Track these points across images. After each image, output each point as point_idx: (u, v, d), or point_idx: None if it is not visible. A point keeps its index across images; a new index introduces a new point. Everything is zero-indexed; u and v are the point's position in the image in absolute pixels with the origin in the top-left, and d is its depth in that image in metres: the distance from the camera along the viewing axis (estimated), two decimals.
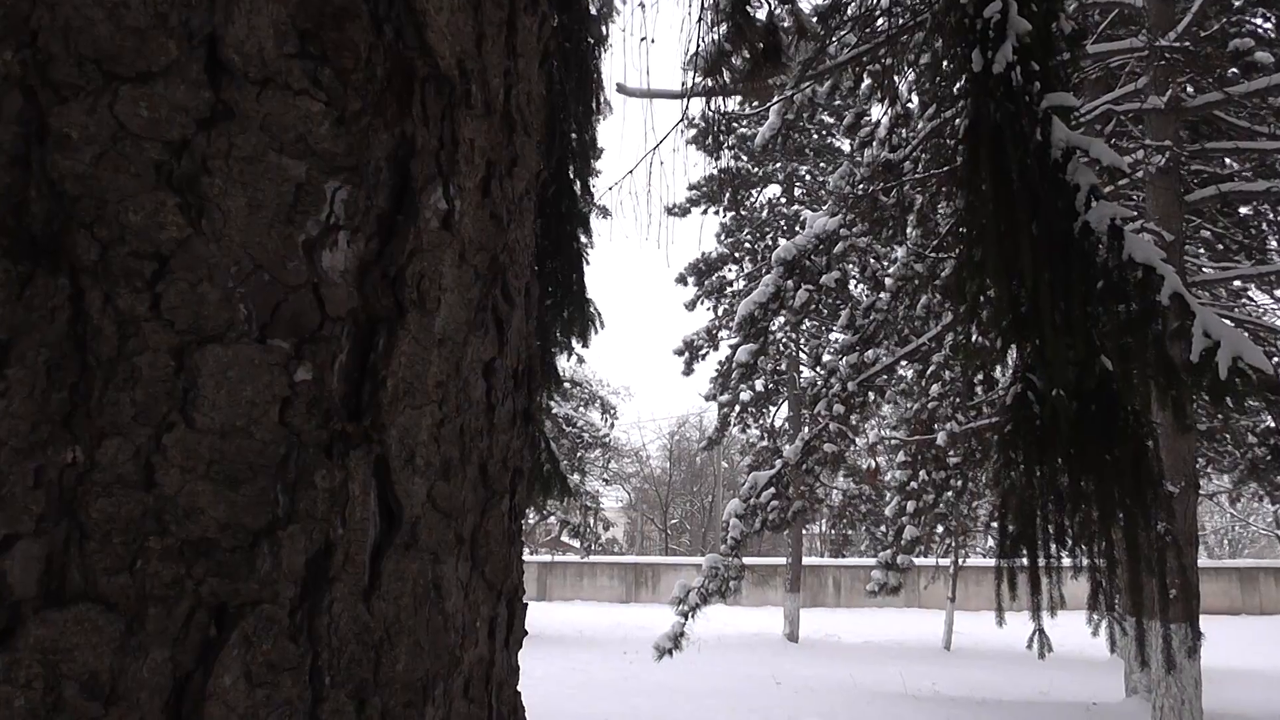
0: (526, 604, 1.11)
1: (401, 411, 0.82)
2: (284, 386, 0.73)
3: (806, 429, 10.94)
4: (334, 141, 0.79)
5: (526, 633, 1.11)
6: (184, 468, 0.67)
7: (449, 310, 0.89)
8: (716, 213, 20.11)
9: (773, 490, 10.55)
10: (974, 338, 8.85)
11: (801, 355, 18.95)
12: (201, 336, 0.69)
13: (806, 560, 23.85)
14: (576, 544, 24.84)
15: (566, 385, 20.94)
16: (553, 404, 18.68)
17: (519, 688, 1.08)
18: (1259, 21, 9.54)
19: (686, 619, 10.06)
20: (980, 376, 10.00)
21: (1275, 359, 9.40)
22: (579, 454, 19.90)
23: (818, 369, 16.90)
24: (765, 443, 19.20)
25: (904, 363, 11.17)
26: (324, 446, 0.75)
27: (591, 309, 6.47)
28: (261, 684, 0.68)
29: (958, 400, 11.27)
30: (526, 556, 28.63)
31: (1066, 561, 3.28)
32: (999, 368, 8.98)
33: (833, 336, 17.43)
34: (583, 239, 5.80)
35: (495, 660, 0.97)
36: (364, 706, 0.76)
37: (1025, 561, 3.07)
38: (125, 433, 0.65)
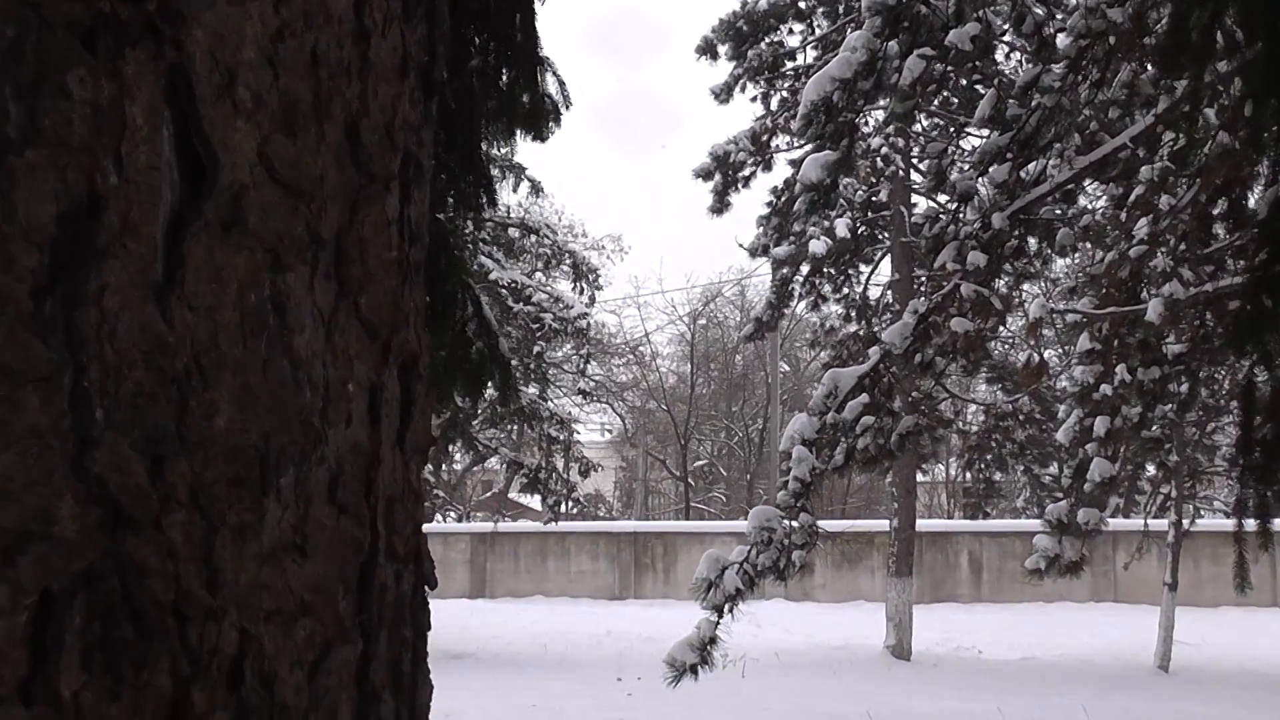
0: (432, 393, 1.14)
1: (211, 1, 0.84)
2: None
3: (922, 298, 10.97)
4: None
5: (434, 441, 1.15)
6: None
7: None
8: None
9: (865, 400, 10.61)
10: (1212, 134, 8.80)
11: (914, 174, 18.85)
12: None
13: (923, 524, 23.88)
14: (536, 503, 25.06)
15: (513, 233, 20.89)
16: (487, 260, 18.65)
17: (423, 526, 1.12)
18: None
19: (721, 616, 10.15)
20: (1223, 204, 9.97)
21: None
22: (535, 350, 19.93)
23: (940, 195, 16.84)
24: (852, 325, 19.24)
25: (1089, 181, 11.12)
26: (82, 34, 0.77)
27: (548, 79, 6.43)
28: None
29: (1182, 246, 11.27)
30: (453, 524, 28.96)
31: None
32: (1257, 186, 8.94)
33: (966, 143, 17.33)
34: None
35: (381, 459, 1.01)
36: (161, 470, 0.80)
37: None
38: None
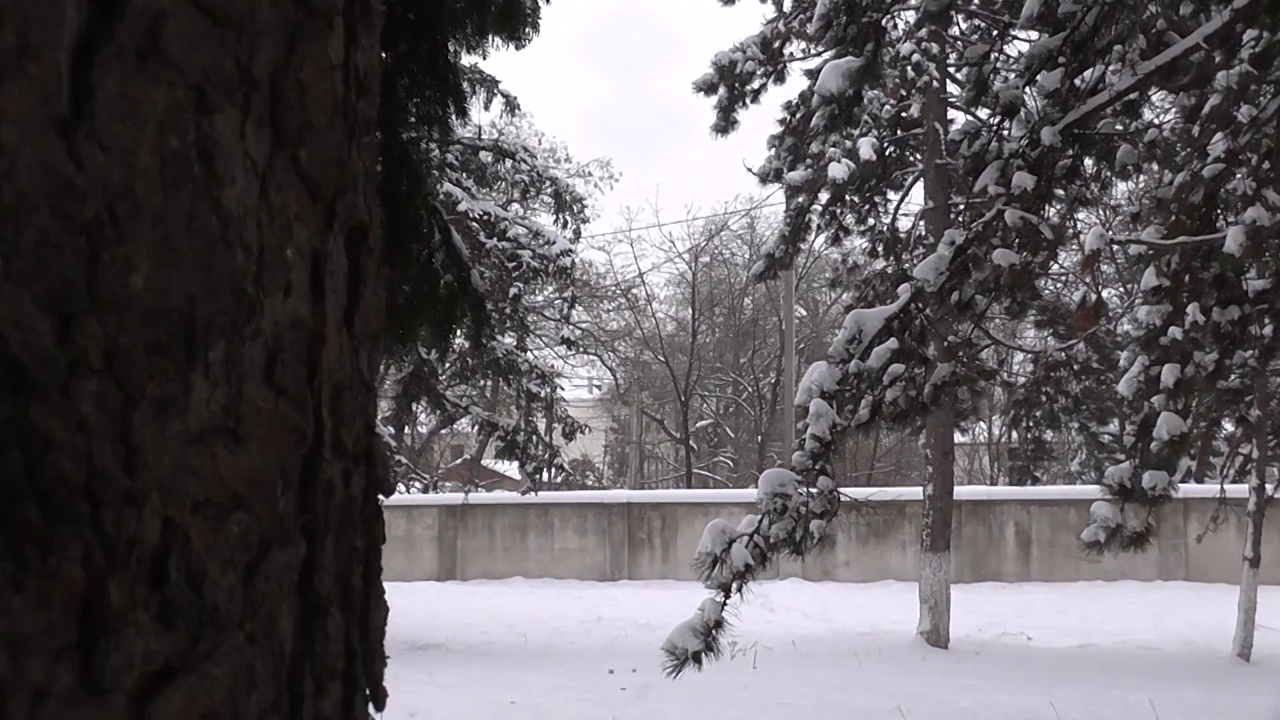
0: (384, 271, 1.14)
1: None
2: None
3: (960, 228, 10.96)
4: None
5: (387, 326, 1.16)
6: None
7: None
8: None
9: (894, 346, 10.57)
10: None
11: (950, 85, 18.79)
12: None
13: (962, 491, 23.67)
14: (514, 471, 25.05)
15: (485, 157, 20.80)
16: (455, 189, 18.58)
17: (377, 429, 1.13)
18: None
19: (728, 596, 10.09)
20: None
21: None
22: (512, 292, 19.88)
23: (981, 108, 16.78)
24: (879, 261, 19.23)
25: (1155, 90, 11.09)
26: None
27: None
28: None
29: (1265, 165, 11.24)
30: (418, 496, 28.99)
31: None
32: None
33: (1011, 48, 17.26)
34: None
35: (326, 338, 1.01)
36: (70, 331, 0.80)
37: None
38: None
